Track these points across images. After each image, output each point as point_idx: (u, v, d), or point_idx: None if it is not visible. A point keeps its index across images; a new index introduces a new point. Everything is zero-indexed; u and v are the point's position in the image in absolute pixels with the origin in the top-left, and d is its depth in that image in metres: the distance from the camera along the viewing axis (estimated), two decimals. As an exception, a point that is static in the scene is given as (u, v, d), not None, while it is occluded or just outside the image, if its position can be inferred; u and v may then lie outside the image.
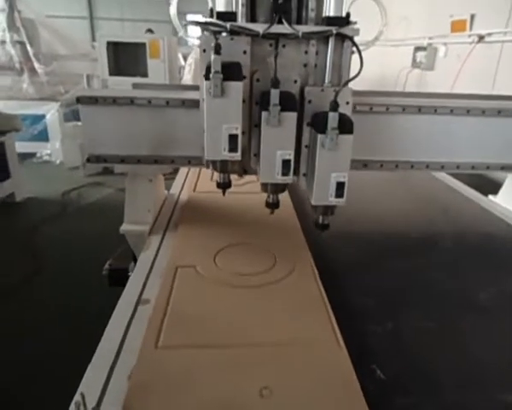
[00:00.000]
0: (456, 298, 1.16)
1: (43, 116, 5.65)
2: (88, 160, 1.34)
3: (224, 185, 1.12)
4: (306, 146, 1.09)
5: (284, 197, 1.25)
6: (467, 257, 1.40)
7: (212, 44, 0.92)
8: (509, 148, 1.48)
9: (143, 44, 5.02)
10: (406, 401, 0.81)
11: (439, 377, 0.87)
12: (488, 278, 1.28)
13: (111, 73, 5.12)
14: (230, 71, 0.95)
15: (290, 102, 1.00)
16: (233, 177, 1.17)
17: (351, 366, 0.81)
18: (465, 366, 0.92)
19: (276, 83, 0.97)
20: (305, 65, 1.06)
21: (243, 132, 1.08)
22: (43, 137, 5.71)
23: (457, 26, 3.74)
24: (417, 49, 4.38)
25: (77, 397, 0.72)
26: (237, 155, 1.02)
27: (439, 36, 4.03)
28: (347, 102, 1.03)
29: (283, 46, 1.04)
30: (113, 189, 5.10)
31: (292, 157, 1.04)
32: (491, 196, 1.97)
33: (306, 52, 1.05)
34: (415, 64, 4.43)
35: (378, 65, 4.87)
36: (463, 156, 1.45)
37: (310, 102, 1.05)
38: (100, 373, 0.81)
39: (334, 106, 0.97)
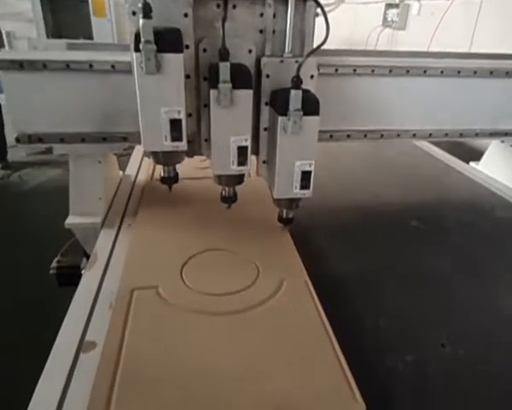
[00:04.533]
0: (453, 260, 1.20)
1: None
2: (18, 140, 1.15)
3: (170, 180, 0.99)
4: (266, 129, 0.97)
5: (263, 189, 1.09)
6: (449, 223, 1.41)
7: (140, 5, 0.76)
8: (499, 113, 1.39)
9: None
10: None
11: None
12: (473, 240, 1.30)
13: (49, 36, 4.65)
14: (167, 40, 0.80)
15: (244, 78, 0.87)
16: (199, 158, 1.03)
17: None
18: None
19: (224, 54, 0.83)
20: (261, 31, 0.92)
21: (190, 115, 0.95)
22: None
23: (433, -22, 3.57)
24: (388, 6, 4.27)
25: None
26: (182, 145, 0.88)
27: (411, -11, 3.92)
28: (312, 76, 0.92)
29: (234, 7, 0.89)
30: (62, 169, 4.75)
31: (249, 143, 0.92)
32: (472, 163, 1.97)
33: (262, 15, 0.91)
34: (386, 23, 4.32)
35: (347, 24, 4.72)
36: (451, 123, 1.36)
37: (268, 76, 0.92)
38: None
39: (297, 82, 0.86)
